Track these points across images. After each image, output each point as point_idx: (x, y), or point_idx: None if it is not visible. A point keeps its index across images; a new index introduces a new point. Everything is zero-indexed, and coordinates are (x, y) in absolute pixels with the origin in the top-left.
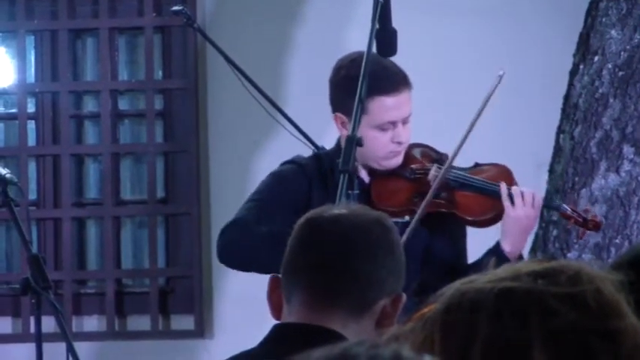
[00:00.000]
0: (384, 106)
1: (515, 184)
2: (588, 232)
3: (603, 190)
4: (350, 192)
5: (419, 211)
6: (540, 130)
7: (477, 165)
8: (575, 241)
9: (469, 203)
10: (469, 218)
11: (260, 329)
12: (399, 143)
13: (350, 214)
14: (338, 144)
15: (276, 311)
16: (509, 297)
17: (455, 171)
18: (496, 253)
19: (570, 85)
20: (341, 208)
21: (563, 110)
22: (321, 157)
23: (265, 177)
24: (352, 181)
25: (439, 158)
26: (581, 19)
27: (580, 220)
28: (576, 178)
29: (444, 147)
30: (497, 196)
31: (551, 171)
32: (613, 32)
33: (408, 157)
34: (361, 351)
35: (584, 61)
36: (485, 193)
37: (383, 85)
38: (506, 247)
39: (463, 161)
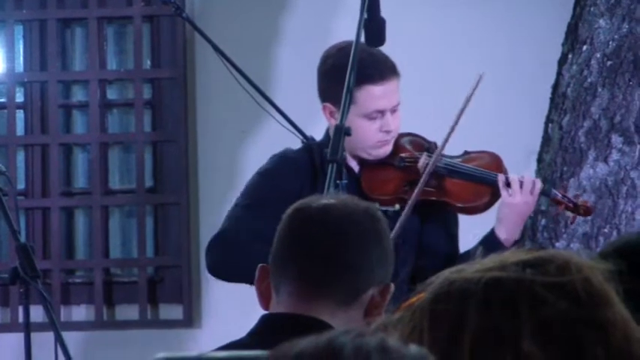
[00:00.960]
0: (372, 95)
1: (506, 171)
2: (579, 217)
3: (592, 180)
4: (338, 182)
5: (411, 200)
6: (529, 119)
7: (466, 153)
8: (563, 230)
9: (459, 191)
10: (460, 205)
11: (249, 319)
12: (388, 132)
13: (338, 204)
14: (327, 134)
15: (265, 301)
16: (498, 286)
17: (445, 159)
18: (491, 241)
19: (559, 74)
20: (329, 198)
21: (552, 100)
22: (312, 148)
23: (253, 176)
24: (340, 171)
25: (429, 147)
26: (570, 9)
27: (571, 205)
28: (565, 168)
29: (436, 135)
30: (488, 182)
31: (539, 160)
32: (601, 22)
33: (398, 146)
34: (347, 340)
35: (573, 51)
36: (475, 181)
37: (370, 73)
38: (502, 235)
39: (453, 150)
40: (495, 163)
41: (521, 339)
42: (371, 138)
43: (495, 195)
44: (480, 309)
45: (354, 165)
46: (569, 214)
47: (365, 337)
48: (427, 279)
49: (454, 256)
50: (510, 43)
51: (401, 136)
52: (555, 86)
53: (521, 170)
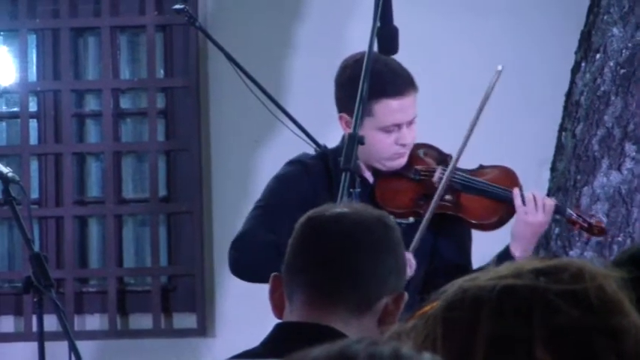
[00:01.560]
0: (390, 109)
1: (520, 185)
2: (594, 237)
3: (605, 188)
4: (352, 190)
5: (427, 214)
6: (542, 127)
7: (481, 167)
8: (577, 238)
9: (474, 206)
10: (474, 221)
11: (262, 328)
12: (404, 145)
13: (352, 212)
14: (343, 141)
15: (278, 310)
16: (512, 294)
17: (460, 173)
18: (506, 258)
19: (572, 82)
20: (343, 206)
21: (565, 108)
22: (326, 155)
23: (270, 180)
24: (354, 180)
25: (444, 159)
26: (583, 17)
27: (585, 225)
28: (578, 176)
29: (448, 145)
30: (502, 199)
31: (553, 169)
32: (615, 30)
33: (413, 158)
34: (360, 348)
35: (586, 59)
36: (490, 197)
37: (389, 87)
38: (517, 252)
39: (466, 160)
40: (510, 177)
41: (534, 346)
42: (387, 150)
43: (509, 212)
44: (493, 316)
45: (369, 176)
46: (584, 233)
47: (378, 346)
48: (438, 290)
49: (466, 269)
50: (523, 52)
51: (416, 147)
52: (568, 94)
53: (534, 179)
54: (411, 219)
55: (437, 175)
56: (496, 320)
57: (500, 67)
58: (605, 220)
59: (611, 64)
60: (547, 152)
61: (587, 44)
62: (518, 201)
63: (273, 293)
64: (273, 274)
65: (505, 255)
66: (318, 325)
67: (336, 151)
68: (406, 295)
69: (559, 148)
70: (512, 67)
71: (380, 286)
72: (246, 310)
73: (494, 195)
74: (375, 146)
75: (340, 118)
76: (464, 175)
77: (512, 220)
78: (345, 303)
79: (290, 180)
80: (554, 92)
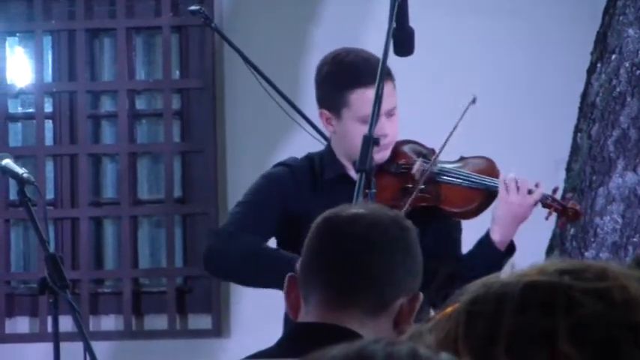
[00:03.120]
0: (365, 98)
1: (499, 174)
2: (568, 221)
3: (621, 189)
4: (367, 191)
5: (406, 207)
6: (558, 128)
7: (462, 158)
8: (592, 239)
9: (453, 196)
10: (453, 210)
11: (277, 328)
12: (384, 136)
13: (368, 213)
14: (328, 143)
15: (294, 311)
16: (535, 289)
17: (439, 164)
18: (486, 243)
19: (588, 83)
20: (359, 207)
21: (581, 109)
22: (312, 158)
23: (256, 179)
24: (369, 181)
25: (427, 153)
26: (599, 18)
27: (559, 208)
28: (594, 177)
29: (456, 147)
30: (481, 187)
31: (568, 169)
32: (630, 31)
33: (397, 154)
34: (378, 349)
35: (602, 60)
36: (469, 186)
37: (363, 76)
38: (496, 237)
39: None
40: (490, 167)
41: (557, 339)
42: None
43: (489, 199)
44: (516, 310)
45: (353, 173)
46: (558, 217)
47: (396, 346)
48: (432, 284)
49: (458, 261)
50: (539, 53)
51: (400, 143)
52: (584, 95)
53: (550, 180)
54: None
55: (416, 167)
56: (519, 314)
57: (473, 97)
58: (620, 221)
59: (627, 65)
60: (563, 153)
61: (602, 45)
62: (502, 186)
63: (288, 294)
64: (288, 274)
65: (485, 241)
66: (334, 326)
67: (322, 155)
68: (421, 296)
69: (574, 148)
70: (528, 67)
71: (395, 287)
72: (261, 311)
73: (475, 184)
74: (355, 139)
75: (321, 114)
76: (444, 166)
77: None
78: (360, 304)
79: (275, 180)
80: (569, 93)
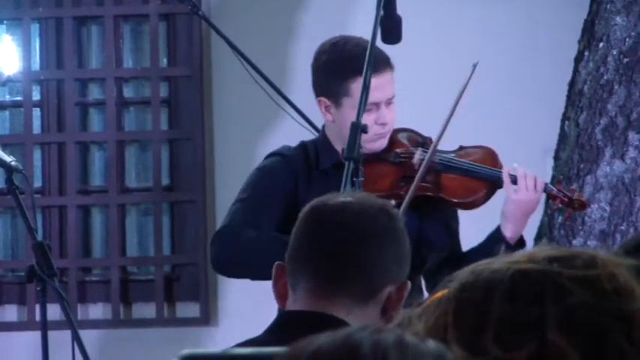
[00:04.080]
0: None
1: (501, 165)
2: (575, 212)
3: (608, 177)
4: (355, 179)
5: (408, 196)
6: (546, 116)
7: (461, 148)
8: (580, 227)
9: (454, 186)
10: (455, 200)
11: (265, 317)
12: (383, 125)
13: (355, 202)
14: (323, 131)
15: (282, 299)
16: (525, 277)
17: (440, 154)
18: (497, 238)
19: (575, 71)
20: (346, 196)
21: (569, 97)
22: (306, 146)
23: (251, 173)
24: (357, 169)
25: (424, 142)
26: (587, 6)
27: (566, 200)
28: (581, 165)
29: (456, 134)
30: (485, 177)
31: (556, 158)
32: (618, 19)
33: (393, 142)
34: (365, 336)
35: (589, 48)
36: (471, 176)
37: (364, 65)
38: (507, 233)
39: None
40: (491, 157)
41: (545, 327)
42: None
43: (491, 189)
44: (505, 297)
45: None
46: (565, 208)
47: (383, 333)
48: (430, 274)
49: (456, 251)
50: (526, 40)
51: (396, 131)
52: (572, 83)
53: (538, 168)
54: (392, 201)
55: (416, 156)
56: (508, 302)
57: (476, 62)
58: (608, 209)
59: (615, 53)
60: (551, 141)
61: (590, 33)
62: (507, 180)
63: (276, 282)
64: (276, 263)
65: (496, 235)
66: (322, 314)
67: (316, 143)
68: (409, 285)
69: (562, 137)
70: (515, 55)
71: (383, 276)
72: (249, 300)
73: (477, 174)
74: None
75: (319, 102)
76: (444, 155)
77: (496, 201)
78: (348, 292)
79: (271, 172)
80: (557, 81)
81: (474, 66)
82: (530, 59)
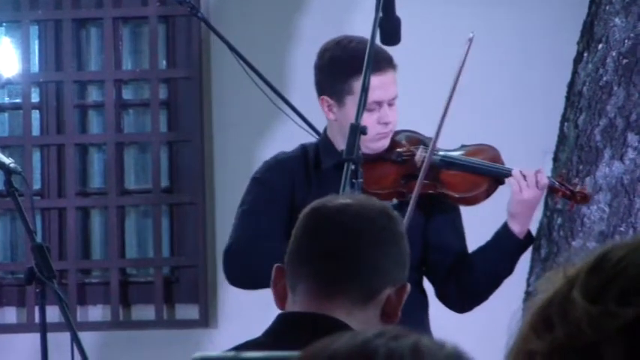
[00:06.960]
0: (370, 86)
1: (503, 162)
2: (577, 205)
3: (608, 179)
4: (354, 181)
5: (414, 194)
6: (545, 118)
7: (463, 146)
8: (579, 229)
9: (457, 181)
10: (457, 195)
11: (264, 319)
12: (386, 124)
13: (355, 203)
14: (325, 132)
15: (281, 301)
16: None
17: (442, 151)
18: (505, 235)
19: (574, 73)
20: (346, 197)
21: (568, 98)
22: (306, 148)
23: (250, 182)
24: (357, 170)
25: (425, 141)
26: (585, 7)
27: (568, 192)
28: (580, 167)
29: (454, 132)
30: (487, 173)
31: (555, 159)
32: (617, 20)
33: (394, 142)
34: (381, 343)
35: (588, 49)
36: (475, 172)
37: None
38: (515, 228)
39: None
40: (493, 155)
41: None
42: (370, 130)
43: (493, 185)
44: None
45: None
46: (567, 201)
47: (398, 340)
48: (440, 281)
49: (463, 251)
50: (525, 42)
51: (397, 132)
52: (571, 85)
53: (538, 169)
54: (395, 200)
55: (418, 154)
56: None
57: (471, 35)
58: (607, 210)
59: (614, 54)
60: (550, 142)
61: (589, 34)
62: (513, 179)
63: (275, 284)
64: (275, 265)
65: (504, 232)
66: (321, 316)
67: (316, 146)
68: (409, 287)
69: (561, 138)
70: (514, 57)
71: (383, 278)
72: (249, 301)
73: (479, 170)
74: None
75: (322, 101)
76: (445, 153)
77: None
78: (348, 294)
79: (265, 180)
80: (556, 82)
81: (470, 40)
82: (529, 60)
